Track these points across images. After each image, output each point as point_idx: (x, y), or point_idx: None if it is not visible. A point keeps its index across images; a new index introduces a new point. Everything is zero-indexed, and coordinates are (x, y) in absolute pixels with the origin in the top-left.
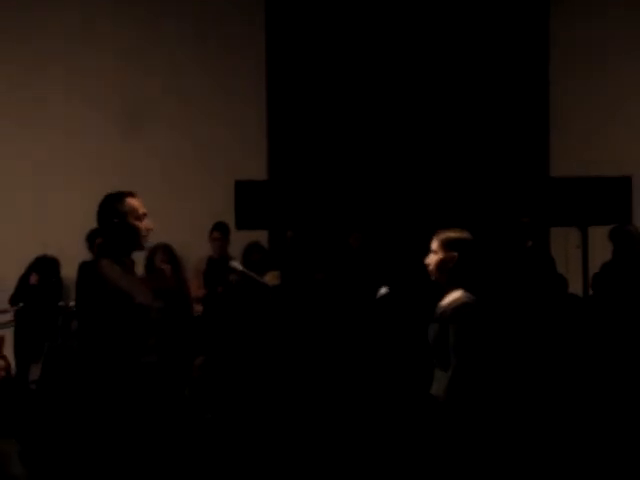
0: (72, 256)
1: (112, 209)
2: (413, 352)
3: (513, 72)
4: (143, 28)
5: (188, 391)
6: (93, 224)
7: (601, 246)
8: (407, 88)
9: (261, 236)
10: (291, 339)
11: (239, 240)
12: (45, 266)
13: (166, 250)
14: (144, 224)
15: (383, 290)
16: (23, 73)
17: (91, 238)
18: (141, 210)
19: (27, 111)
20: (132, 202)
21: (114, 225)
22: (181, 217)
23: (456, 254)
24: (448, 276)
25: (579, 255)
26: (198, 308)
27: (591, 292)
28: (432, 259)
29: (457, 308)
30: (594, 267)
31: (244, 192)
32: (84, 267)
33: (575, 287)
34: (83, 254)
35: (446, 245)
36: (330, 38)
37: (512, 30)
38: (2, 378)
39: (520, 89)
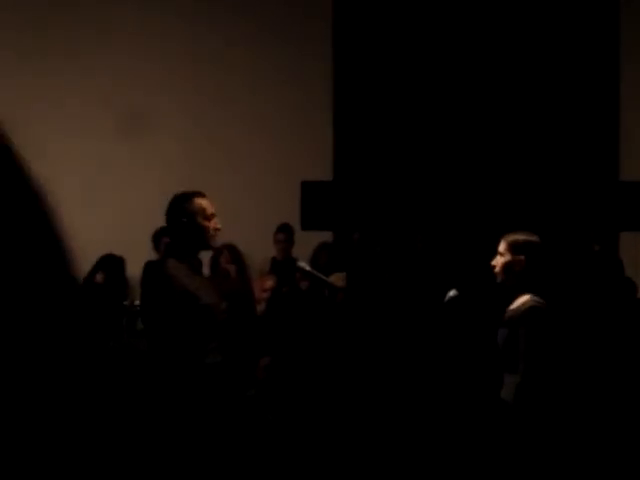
0: (138, 255)
1: (181, 209)
2: (482, 355)
3: (583, 74)
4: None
5: (253, 392)
6: (161, 223)
7: None
8: (476, 89)
9: (326, 237)
10: (358, 341)
11: (304, 241)
12: (111, 265)
13: (231, 250)
14: (212, 224)
15: (452, 293)
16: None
17: (157, 237)
18: (210, 210)
19: None
20: (201, 202)
21: (182, 225)
22: (247, 217)
23: (523, 257)
24: (515, 279)
25: None
26: (261, 308)
27: None
28: (498, 261)
29: (526, 312)
30: None
31: (310, 192)
32: (150, 266)
33: None
34: (149, 253)
35: (514, 248)
36: (398, 37)
37: (582, 30)
38: None
39: (590, 91)
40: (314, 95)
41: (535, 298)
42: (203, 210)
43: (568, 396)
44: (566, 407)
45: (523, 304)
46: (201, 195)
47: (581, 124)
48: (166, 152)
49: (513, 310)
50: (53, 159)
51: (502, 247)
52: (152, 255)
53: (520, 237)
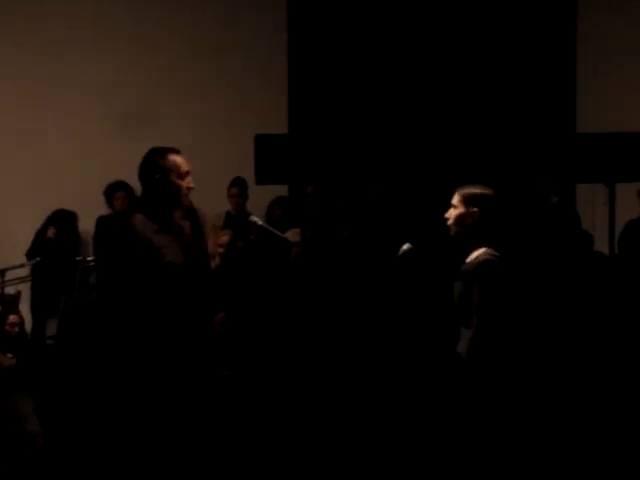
0: (90, 210)
1: (154, 164)
2: (437, 309)
3: (540, 26)
4: None
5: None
6: (112, 177)
7: (628, 203)
8: (433, 42)
9: (281, 191)
10: (313, 296)
11: (259, 195)
12: (63, 220)
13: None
14: (186, 182)
15: (405, 246)
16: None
17: (109, 192)
18: (184, 168)
19: None
20: (175, 159)
21: (155, 181)
22: (200, 171)
23: (477, 210)
24: (468, 232)
25: (606, 212)
26: (215, 264)
27: (617, 250)
28: (452, 214)
29: (480, 265)
30: (621, 225)
31: (264, 146)
32: (103, 222)
33: (601, 245)
34: (101, 208)
35: (467, 200)
36: None
37: None
38: (16, 334)
39: (547, 43)
40: (268, 48)
41: (489, 251)
42: (177, 167)
43: (522, 350)
44: (520, 361)
45: (477, 257)
46: (175, 151)
47: (538, 77)
48: (116, 106)
49: (468, 264)
50: None
51: (455, 199)
52: (104, 210)
53: (474, 190)
